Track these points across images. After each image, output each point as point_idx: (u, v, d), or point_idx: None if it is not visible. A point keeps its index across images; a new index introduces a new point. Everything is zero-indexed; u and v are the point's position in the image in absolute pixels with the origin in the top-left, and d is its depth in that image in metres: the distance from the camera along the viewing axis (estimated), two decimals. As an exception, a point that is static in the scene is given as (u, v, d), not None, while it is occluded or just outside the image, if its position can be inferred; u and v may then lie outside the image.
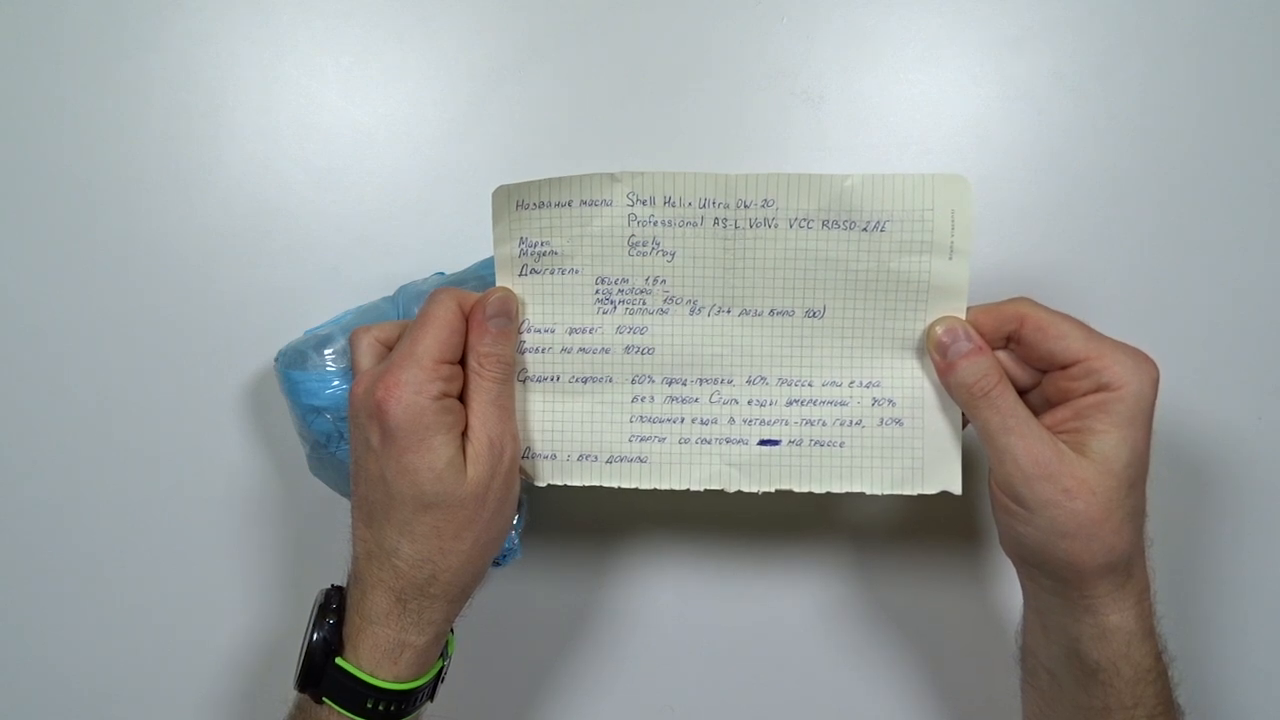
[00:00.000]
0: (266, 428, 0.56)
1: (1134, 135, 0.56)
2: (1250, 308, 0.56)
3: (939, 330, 0.44)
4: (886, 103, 0.56)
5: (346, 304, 0.54)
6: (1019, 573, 0.45)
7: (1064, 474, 0.40)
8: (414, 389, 0.41)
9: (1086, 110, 0.56)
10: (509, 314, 0.44)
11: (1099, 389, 0.41)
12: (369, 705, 0.42)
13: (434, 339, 0.42)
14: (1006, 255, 0.56)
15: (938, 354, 0.44)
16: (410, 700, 0.43)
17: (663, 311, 0.45)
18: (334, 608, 0.43)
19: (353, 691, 0.41)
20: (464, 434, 0.43)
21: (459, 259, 0.56)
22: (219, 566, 0.57)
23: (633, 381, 0.46)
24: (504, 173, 0.57)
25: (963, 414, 0.45)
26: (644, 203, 0.44)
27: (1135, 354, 0.42)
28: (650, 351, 0.46)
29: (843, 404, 0.46)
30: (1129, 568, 0.41)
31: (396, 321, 0.47)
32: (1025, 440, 0.41)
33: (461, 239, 0.57)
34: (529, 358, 0.46)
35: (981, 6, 0.56)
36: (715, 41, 0.57)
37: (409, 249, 0.56)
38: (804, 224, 0.43)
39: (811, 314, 0.45)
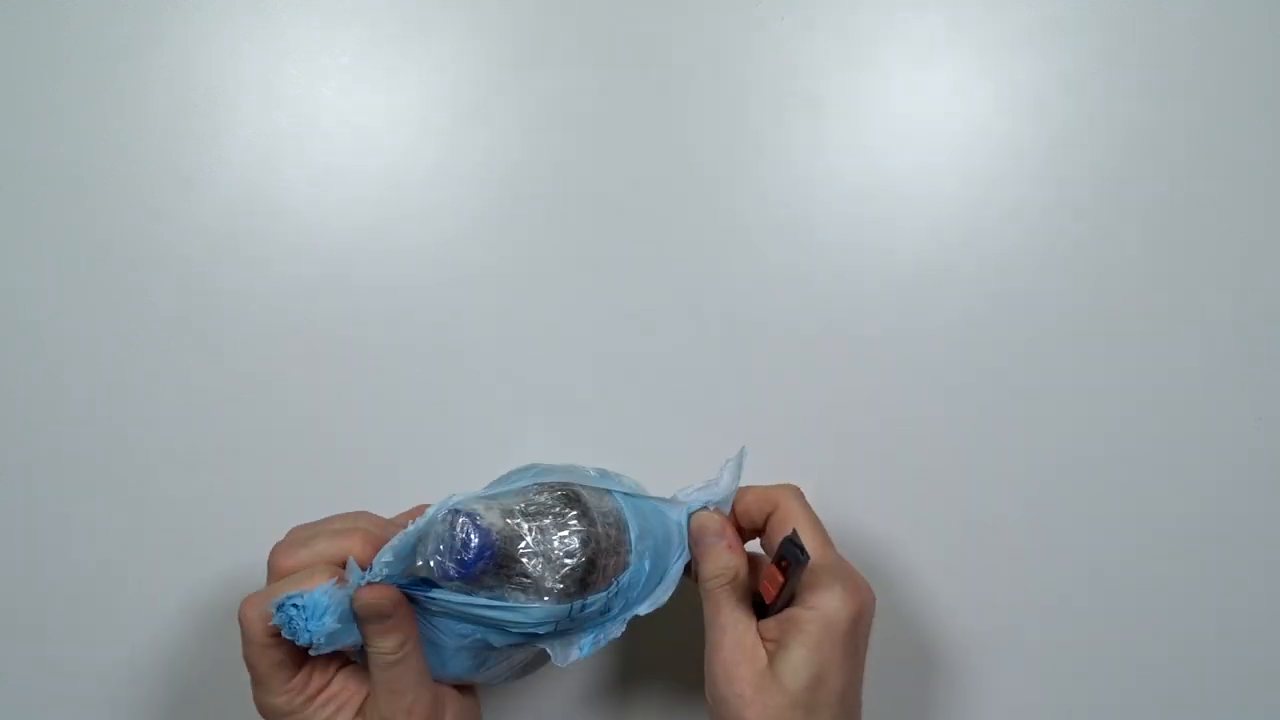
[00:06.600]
0: (267, 428, 0.56)
1: (1134, 135, 0.56)
2: (1250, 308, 0.56)
3: (694, 522, 0.45)
4: (886, 103, 0.56)
5: (345, 306, 0.54)
6: None
7: (745, 679, 0.41)
8: None
9: (1086, 110, 0.56)
10: (382, 614, 0.40)
11: (802, 603, 0.42)
12: None
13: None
14: (1005, 256, 0.56)
15: (691, 542, 0.45)
16: None
17: None
18: None
19: None
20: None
21: (459, 259, 0.56)
22: (218, 565, 0.57)
23: None
24: (504, 172, 0.57)
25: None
26: None
27: (847, 581, 0.42)
28: None
29: None
30: None
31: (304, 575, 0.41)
32: (727, 638, 0.42)
33: (462, 239, 0.57)
34: None
35: (981, 6, 0.56)
36: (715, 41, 0.57)
37: (409, 249, 0.56)
38: None
39: None
